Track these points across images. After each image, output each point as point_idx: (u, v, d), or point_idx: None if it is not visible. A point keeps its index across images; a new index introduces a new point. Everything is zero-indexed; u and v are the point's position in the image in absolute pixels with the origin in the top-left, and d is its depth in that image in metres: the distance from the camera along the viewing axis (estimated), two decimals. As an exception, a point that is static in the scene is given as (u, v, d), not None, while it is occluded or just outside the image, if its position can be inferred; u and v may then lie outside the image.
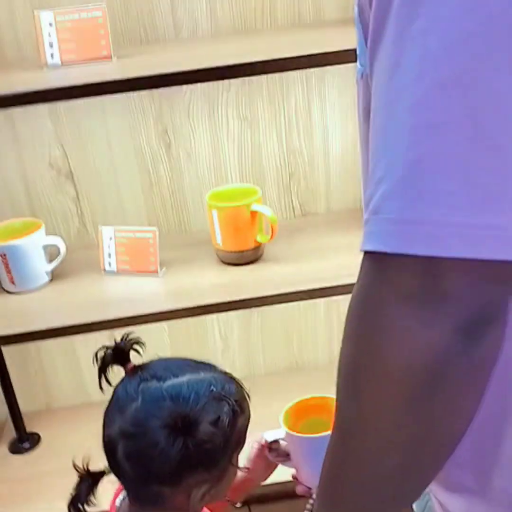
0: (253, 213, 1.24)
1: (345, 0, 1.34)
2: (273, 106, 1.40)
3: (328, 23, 1.34)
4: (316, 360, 1.64)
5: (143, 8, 1.29)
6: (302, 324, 1.60)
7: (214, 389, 0.78)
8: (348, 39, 1.23)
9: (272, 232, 1.24)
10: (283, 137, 1.42)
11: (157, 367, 0.81)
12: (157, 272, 1.28)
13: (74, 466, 0.80)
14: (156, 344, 1.57)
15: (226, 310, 1.22)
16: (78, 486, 0.81)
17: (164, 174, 1.43)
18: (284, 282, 1.23)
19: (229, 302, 1.20)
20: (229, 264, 1.29)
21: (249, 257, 1.28)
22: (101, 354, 0.81)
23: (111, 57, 1.14)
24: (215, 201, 1.27)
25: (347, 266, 1.23)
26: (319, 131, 1.43)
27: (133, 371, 0.81)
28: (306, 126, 1.42)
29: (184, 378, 0.79)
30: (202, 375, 0.80)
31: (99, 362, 0.81)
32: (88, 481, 0.81)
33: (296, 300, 1.22)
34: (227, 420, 0.78)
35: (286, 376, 1.62)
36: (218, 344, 1.60)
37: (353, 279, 0.48)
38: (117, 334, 1.41)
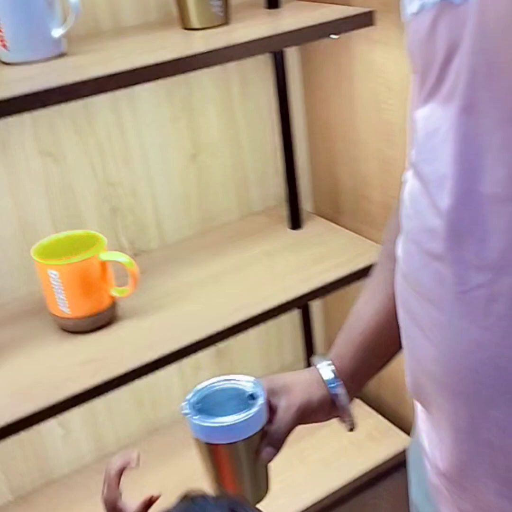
0: (103, 264, 1.00)
1: (143, 3, 1.16)
2: (79, 135, 1.16)
3: (127, 30, 1.14)
4: (173, 416, 1.43)
5: None
6: (152, 380, 1.38)
7: None
8: (150, 48, 1.04)
9: (134, 282, 1.01)
10: (98, 169, 1.19)
11: None
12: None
13: None
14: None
15: (91, 399, 0.95)
16: None
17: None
18: (147, 348, 1.01)
19: (95, 388, 0.94)
20: (79, 333, 1.03)
21: (105, 318, 1.03)
22: None
23: None
24: (49, 258, 1.00)
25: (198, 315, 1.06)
26: (137, 155, 1.23)
27: None
28: (121, 152, 1.21)
29: None
30: None
31: None
32: None
33: (165, 365, 1.01)
34: None
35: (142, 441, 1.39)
36: (57, 429, 1.31)
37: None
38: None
